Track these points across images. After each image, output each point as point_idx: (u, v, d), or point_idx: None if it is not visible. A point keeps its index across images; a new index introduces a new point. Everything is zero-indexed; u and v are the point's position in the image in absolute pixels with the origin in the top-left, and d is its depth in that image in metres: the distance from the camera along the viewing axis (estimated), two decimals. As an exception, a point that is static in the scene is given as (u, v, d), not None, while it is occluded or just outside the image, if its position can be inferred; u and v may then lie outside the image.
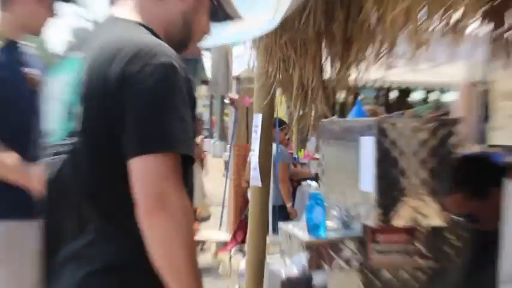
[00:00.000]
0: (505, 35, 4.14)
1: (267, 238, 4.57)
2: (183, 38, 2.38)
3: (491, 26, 4.13)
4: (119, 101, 2.01)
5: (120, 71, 2.02)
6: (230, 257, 7.73)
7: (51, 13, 3.51)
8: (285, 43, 3.40)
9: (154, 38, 2.16)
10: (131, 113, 2.00)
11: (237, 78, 11.52)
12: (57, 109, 2.24)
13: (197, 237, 6.43)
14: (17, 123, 3.14)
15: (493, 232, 3.07)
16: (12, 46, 3.45)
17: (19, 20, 3.45)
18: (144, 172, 1.99)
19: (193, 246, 2.07)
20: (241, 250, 6.14)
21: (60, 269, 2.19)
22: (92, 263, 2.11)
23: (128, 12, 2.29)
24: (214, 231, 9.18)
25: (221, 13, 2.45)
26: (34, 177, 3.04)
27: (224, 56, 9.79)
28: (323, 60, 3.41)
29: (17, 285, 3.20)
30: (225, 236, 9.21)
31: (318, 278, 4.81)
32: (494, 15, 4.07)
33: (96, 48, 2.13)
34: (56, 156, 2.20)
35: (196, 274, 2.05)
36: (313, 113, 3.52)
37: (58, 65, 2.32)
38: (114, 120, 2.03)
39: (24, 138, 2.75)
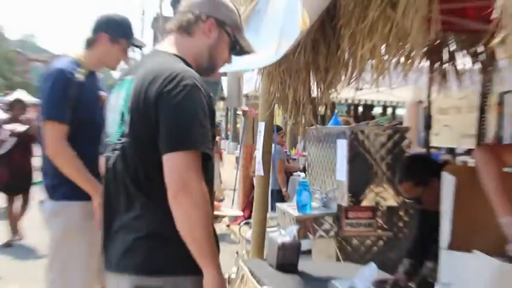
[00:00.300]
0: (440, 68, 4.17)
1: (267, 214, 4.56)
2: (209, 66, 2.38)
3: (430, 60, 4.16)
4: (156, 112, 2.05)
5: (157, 90, 2.05)
6: (239, 228, 7.69)
7: (124, 53, 3.57)
8: (282, 71, 3.40)
9: (184, 65, 2.17)
10: (164, 121, 2.05)
11: (247, 96, 11.47)
12: (114, 117, 2.24)
13: (216, 213, 6.38)
14: (91, 133, 3.15)
15: (433, 211, 3.09)
16: (92, 75, 3.52)
17: (98, 57, 3.51)
18: (173, 165, 2.03)
19: (208, 221, 2.06)
20: (247, 223, 6.09)
21: (115, 235, 2.22)
22: (139, 231, 2.13)
23: (167, 46, 2.32)
24: (228, 209, 9.16)
25: (238, 47, 2.42)
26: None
27: (237, 78, 9.77)
28: (311, 83, 3.41)
29: (93, 245, 3.21)
30: (236, 212, 9.24)
31: (304, 244, 4.80)
32: (432, 53, 4.09)
33: (142, 73, 2.15)
34: (113, 152, 2.21)
35: (211, 241, 2.08)
36: (302, 122, 3.51)
37: (116, 85, 2.32)
38: (152, 126, 2.06)
39: (97, 142, 2.74)
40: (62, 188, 3.39)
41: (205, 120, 2.09)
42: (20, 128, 8.09)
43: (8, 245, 8.26)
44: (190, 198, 2.01)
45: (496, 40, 1.64)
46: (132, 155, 2.14)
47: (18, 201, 8.40)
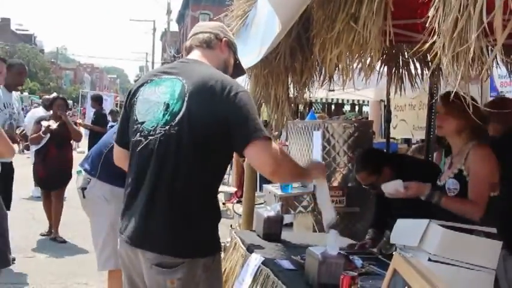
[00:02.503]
0: (397, 72, 4.17)
1: (256, 193, 4.54)
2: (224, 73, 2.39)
3: (388, 66, 4.16)
4: (223, 111, 2.06)
5: (224, 96, 2.06)
6: (233, 206, 7.71)
7: None
8: (266, 73, 3.38)
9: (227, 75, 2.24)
10: (239, 117, 2.06)
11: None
12: (150, 108, 2.17)
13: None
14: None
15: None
16: None
17: None
18: (260, 149, 2.06)
19: (294, 167, 2.30)
20: (239, 202, 6.10)
21: (141, 215, 2.13)
22: (167, 214, 2.09)
23: (198, 57, 2.34)
24: (225, 186, 9.14)
25: (238, 65, 2.53)
26: None
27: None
28: (289, 84, 3.39)
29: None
30: (231, 189, 9.23)
31: (287, 218, 4.80)
32: (390, 60, 4.09)
33: (196, 79, 2.12)
34: (146, 138, 2.13)
35: (301, 171, 2.39)
36: (282, 117, 3.50)
37: (149, 82, 2.26)
38: (217, 122, 2.06)
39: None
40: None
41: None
42: (54, 124, 6.86)
43: (45, 234, 6.94)
44: (281, 170, 2.15)
45: (427, 44, 1.65)
46: (178, 141, 2.06)
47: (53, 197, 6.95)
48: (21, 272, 5.28)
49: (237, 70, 2.53)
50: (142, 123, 2.18)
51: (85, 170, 3.68)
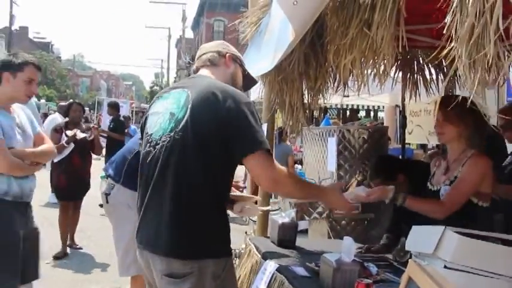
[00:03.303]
0: (412, 77, 4.15)
1: (270, 200, 4.54)
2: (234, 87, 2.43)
3: (403, 71, 4.14)
4: (225, 119, 2.11)
5: (226, 104, 2.12)
6: (249, 212, 7.70)
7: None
8: (280, 80, 3.38)
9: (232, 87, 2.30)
10: (241, 128, 2.12)
11: (253, 102, 11.47)
12: (159, 119, 2.27)
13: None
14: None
15: None
16: None
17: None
18: (259, 162, 2.13)
19: (299, 185, 2.35)
20: (255, 207, 6.10)
21: (150, 220, 2.24)
22: (175, 218, 2.15)
23: (206, 74, 2.45)
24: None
25: (248, 76, 2.62)
26: None
27: (246, 88, 9.74)
28: (303, 90, 3.39)
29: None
30: (247, 195, 9.18)
31: (301, 224, 4.78)
32: (405, 66, 4.08)
33: (199, 89, 2.20)
34: (154, 148, 2.22)
35: (311, 189, 2.54)
36: (297, 123, 3.50)
37: (161, 97, 2.41)
38: (218, 129, 2.11)
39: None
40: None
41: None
42: (80, 134, 6.45)
43: (59, 257, 6.39)
44: (281, 185, 2.22)
45: (445, 51, 1.64)
46: (182, 145, 2.14)
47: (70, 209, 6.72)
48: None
49: (248, 81, 2.62)
50: (151, 134, 2.29)
51: (109, 175, 3.69)
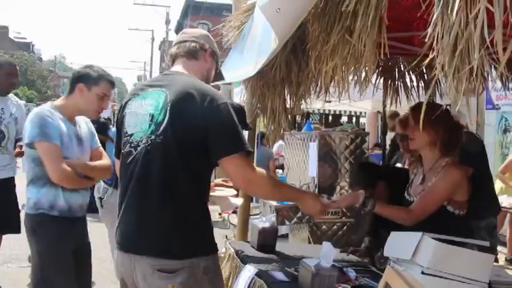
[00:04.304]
0: (393, 84, 4.20)
1: (251, 204, 4.54)
2: (205, 82, 2.42)
3: (384, 78, 4.19)
4: (203, 120, 2.10)
5: (204, 105, 2.11)
6: (228, 216, 7.71)
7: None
8: (262, 84, 3.39)
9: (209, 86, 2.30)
10: (218, 129, 2.12)
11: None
12: (138, 120, 2.24)
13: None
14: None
15: None
16: None
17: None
18: (237, 165, 2.14)
19: (276, 186, 2.37)
20: (235, 212, 6.10)
21: (135, 221, 2.20)
22: (162, 218, 2.16)
23: (181, 69, 2.38)
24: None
25: (219, 73, 2.61)
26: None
27: (228, 91, 9.73)
28: (285, 96, 3.40)
29: None
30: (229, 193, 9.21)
31: (282, 229, 4.80)
32: (386, 72, 4.12)
33: (177, 89, 2.18)
34: (135, 149, 2.20)
35: (290, 190, 2.54)
36: (279, 128, 3.51)
37: (136, 96, 2.33)
38: (197, 130, 2.10)
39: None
40: None
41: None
42: None
43: None
44: (256, 186, 2.24)
45: (427, 60, 1.66)
46: (163, 149, 2.12)
47: None
48: (15, 281, 5.22)
49: (217, 76, 2.61)
50: (131, 135, 2.25)
51: (103, 180, 3.69)
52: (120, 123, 2.39)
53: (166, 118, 2.14)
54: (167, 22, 40.35)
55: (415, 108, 2.87)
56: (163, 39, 45.08)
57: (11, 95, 4.94)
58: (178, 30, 48.78)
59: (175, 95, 2.16)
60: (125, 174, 2.26)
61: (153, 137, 2.16)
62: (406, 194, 2.97)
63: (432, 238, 2.24)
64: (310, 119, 11.86)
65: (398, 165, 5.07)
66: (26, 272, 5.58)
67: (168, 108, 2.15)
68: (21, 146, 4.86)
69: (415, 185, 2.94)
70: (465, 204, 2.75)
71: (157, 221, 2.13)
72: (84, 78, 3.04)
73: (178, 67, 2.40)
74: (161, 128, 2.14)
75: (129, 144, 2.25)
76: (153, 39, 45.77)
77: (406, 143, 3.74)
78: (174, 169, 2.13)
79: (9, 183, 4.72)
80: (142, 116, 2.23)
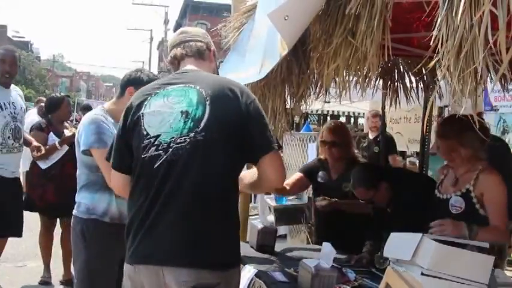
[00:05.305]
0: (392, 85, 4.21)
1: (250, 204, 4.54)
2: None
3: (384, 79, 4.20)
4: (243, 116, 2.05)
5: (244, 101, 2.06)
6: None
7: None
8: (263, 85, 3.39)
9: None
10: (257, 127, 2.07)
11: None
12: (170, 117, 2.06)
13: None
14: None
15: (381, 207, 3.34)
16: None
17: None
18: (277, 162, 2.10)
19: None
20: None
21: (165, 230, 2.02)
22: (205, 224, 2.04)
23: (196, 68, 2.27)
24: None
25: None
26: None
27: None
28: (286, 96, 3.41)
29: None
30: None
31: (281, 229, 4.80)
32: (385, 73, 4.13)
33: (210, 83, 2.11)
34: (165, 151, 2.02)
35: None
36: (279, 128, 3.51)
37: (156, 94, 2.16)
38: (238, 126, 2.04)
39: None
40: None
41: None
42: (69, 133, 5.07)
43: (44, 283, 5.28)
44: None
45: (433, 62, 1.67)
46: (206, 147, 2.00)
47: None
48: (11, 280, 5.21)
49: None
50: (157, 136, 2.06)
51: None
52: (132, 127, 2.14)
53: (207, 114, 2.01)
54: (166, 22, 40.34)
55: (444, 123, 3.03)
56: (161, 39, 45.08)
57: (13, 86, 4.71)
58: (176, 30, 48.65)
59: (212, 90, 2.06)
60: (151, 180, 2.04)
61: (192, 134, 2.00)
62: (436, 192, 3.03)
63: (432, 239, 2.24)
64: (309, 119, 11.86)
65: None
66: (22, 272, 5.64)
67: (208, 103, 2.03)
68: (39, 147, 4.78)
69: (445, 185, 2.99)
70: None
71: (213, 229, 2.00)
72: (134, 82, 3.02)
73: (191, 66, 2.27)
74: (202, 124, 2.00)
75: (155, 147, 2.04)
76: (151, 39, 45.73)
77: (334, 150, 3.83)
78: (218, 169, 2.01)
79: (18, 183, 4.66)
80: (169, 115, 2.06)
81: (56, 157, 5.03)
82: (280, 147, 2.16)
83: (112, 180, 2.32)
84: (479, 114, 2.83)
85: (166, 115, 2.07)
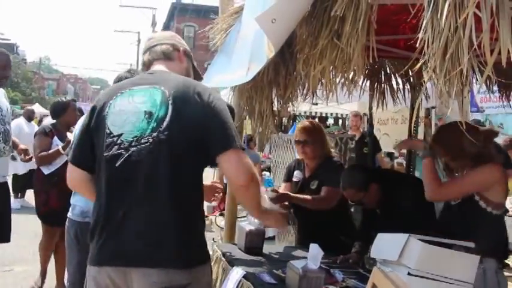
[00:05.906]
0: (379, 87, 4.24)
1: (238, 206, 4.53)
2: None
3: (371, 81, 4.22)
4: (205, 116, 2.05)
5: (206, 101, 2.06)
6: (215, 218, 7.68)
7: None
8: (250, 87, 3.39)
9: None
10: (217, 126, 2.05)
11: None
12: (133, 117, 2.08)
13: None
14: None
15: (371, 209, 3.38)
16: None
17: None
18: (239, 157, 2.05)
19: (258, 198, 2.21)
20: (222, 214, 6.08)
21: (133, 230, 2.02)
22: (167, 224, 2.03)
23: (164, 68, 2.31)
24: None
25: (196, 71, 2.50)
26: None
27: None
28: (273, 98, 3.41)
29: None
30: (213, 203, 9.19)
31: (269, 231, 4.79)
32: (372, 75, 4.16)
33: (174, 84, 2.12)
34: (127, 150, 2.04)
35: (260, 211, 2.30)
36: (266, 130, 3.51)
37: (121, 94, 2.17)
38: (199, 126, 2.04)
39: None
40: None
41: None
42: (71, 136, 4.83)
43: None
44: (255, 187, 2.10)
45: (419, 64, 1.68)
46: (169, 146, 2.01)
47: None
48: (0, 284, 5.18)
49: (195, 76, 2.49)
50: (120, 135, 2.08)
51: None
52: (95, 126, 2.16)
53: (170, 113, 2.04)
54: (153, 24, 40.16)
55: (438, 133, 3.12)
56: (149, 41, 44.90)
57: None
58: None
59: (174, 91, 2.08)
60: (113, 180, 2.06)
61: (155, 134, 2.02)
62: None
63: (418, 239, 2.26)
64: (297, 121, 11.89)
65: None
66: (9, 276, 5.61)
67: (170, 103, 2.06)
68: (26, 150, 4.78)
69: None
70: (502, 205, 2.79)
71: (172, 228, 1.99)
72: None
73: (160, 67, 2.31)
74: (164, 124, 2.03)
75: (116, 146, 2.06)
76: (139, 41, 45.50)
77: (307, 148, 3.85)
78: (181, 169, 2.02)
79: (6, 187, 4.55)
80: (133, 114, 2.08)
81: (59, 162, 4.92)
82: (243, 149, 2.13)
83: (68, 176, 2.30)
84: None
85: (130, 114, 2.10)
